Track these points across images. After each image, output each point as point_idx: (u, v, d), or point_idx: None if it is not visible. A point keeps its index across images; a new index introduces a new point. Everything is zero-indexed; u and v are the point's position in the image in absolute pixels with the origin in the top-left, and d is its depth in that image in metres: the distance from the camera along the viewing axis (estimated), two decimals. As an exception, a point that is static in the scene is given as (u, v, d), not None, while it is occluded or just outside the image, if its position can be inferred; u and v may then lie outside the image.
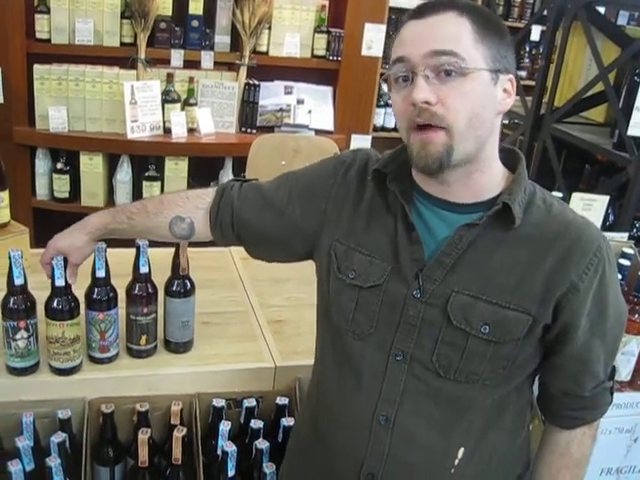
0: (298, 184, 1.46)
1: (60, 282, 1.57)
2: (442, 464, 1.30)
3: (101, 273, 1.62)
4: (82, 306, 1.64)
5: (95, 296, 1.64)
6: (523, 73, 5.67)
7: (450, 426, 1.28)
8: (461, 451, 1.29)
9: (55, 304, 1.59)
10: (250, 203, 1.48)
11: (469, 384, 1.25)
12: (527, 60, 5.79)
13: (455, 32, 1.14)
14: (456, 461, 1.29)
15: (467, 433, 1.29)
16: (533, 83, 3.96)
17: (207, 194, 1.53)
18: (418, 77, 1.14)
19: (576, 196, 2.24)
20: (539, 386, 1.38)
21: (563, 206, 1.28)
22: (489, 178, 1.25)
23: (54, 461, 1.47)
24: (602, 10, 3.60)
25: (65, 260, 1.56)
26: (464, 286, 1.23)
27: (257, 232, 1.48)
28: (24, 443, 1.51)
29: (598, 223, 2.23)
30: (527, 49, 5.78)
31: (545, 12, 3.80)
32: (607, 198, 2.26)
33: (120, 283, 1.69)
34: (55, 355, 1.63)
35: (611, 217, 2.98)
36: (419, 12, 1.18)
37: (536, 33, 5.12)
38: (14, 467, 1.44)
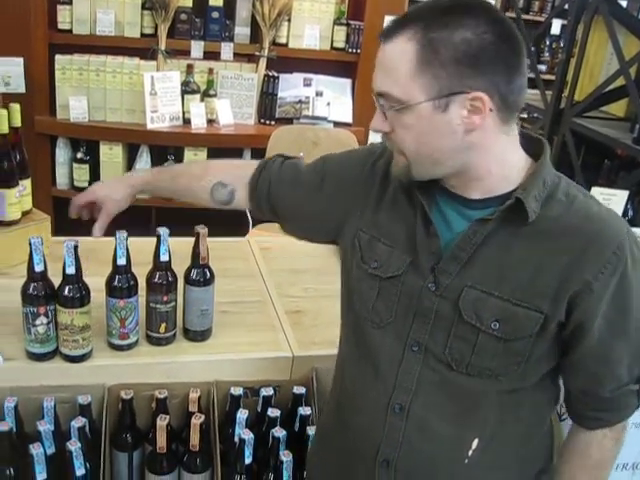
0: (331, 169, 1.48)
1: (70, 270, 1.58)
2: (456, 454, 1.30)
3: (122, 261, 1.64)
4: (95, 294, 1.65)
5: (116, 283, 1.65)
6: (543, 67, 5.64)
7: (463, 418, 1.28)
8: (475, 442, 1.29)
9: (65, 292, 1.60)
10: (286, 180, 1.52)
11: (482, 379, 1.24)
12: (547, 54, 5.76)
13: (394, 66, 1.15)
14: (470, 452, 1.29)
15: (481, 426, 1.29)
16: (553, 77, 3.95)
17: (251, 165, 1.58)
18: (377, 107, 1.20)
19: (595, 191, 2.23)
20: (563, 385, 1.36)
21: (588, 199, 1.23)
22: (499, 178, 1.22)
23: (74, 445, 1.49)
24: (624, 3, 3.58)
25: (76, 249, 1.56)
26: (477, 281, 1.22)
27: (290, 209, 1.53)
28: (45, 427, 1.53)
29: (617, 218, 2.22)
30: (547, 43, 5.74)
31: (566, 6, 3.78)
32: (626, 193, 2.26)
33: (140, 271, 1.70)
34: (65, 342, 1.64)
35: (630, 212, 2.97)
36: (383, 33, 1.19)
37: (556, 27, 5.10)
38: (36, 450, 1.45)
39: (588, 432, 1.35)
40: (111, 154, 3.62)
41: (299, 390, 1.74)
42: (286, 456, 1.61)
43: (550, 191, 1.22)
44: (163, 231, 1.66)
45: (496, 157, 1.21)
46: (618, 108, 3.55)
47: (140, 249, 1.68)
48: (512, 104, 1.16)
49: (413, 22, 1.13)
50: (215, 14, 3.67)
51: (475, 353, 1.22)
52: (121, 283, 1.65)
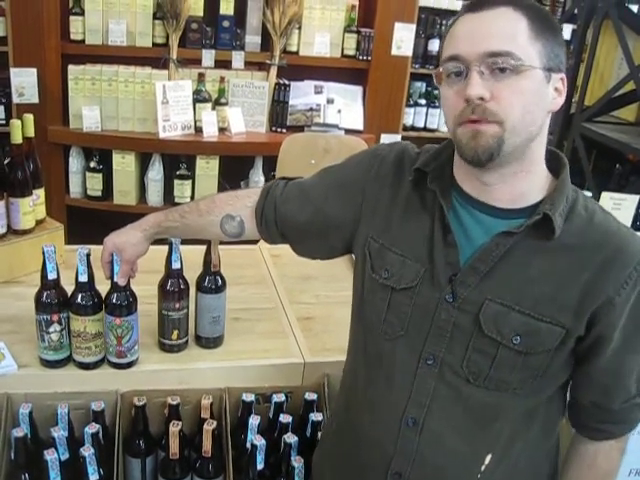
0: (334, 179, 1.46)
1: (83, 277, 1.59)
2: (469, 469, 1.29)
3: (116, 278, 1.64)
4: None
5: (112, 301, 1.64)
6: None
7: (478, 432, 1.27)
8: (488, 457, 1.28)
9: (78, 299, 1.61)
10: (291, 200, 1.49)
11: (499, 392, 1.23)
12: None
13: (511, 29, 1.11)
14: (483, 467, 1.28)
15: (495, 440, 1.28)
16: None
17: (256, 193, 1.55)
18: (472, 72, 1.12)
19: (606, 195, 2.23)
20: (569, 396, 1.35)
21: (606, 215, 1.23)
22: (532, 181, 1.21)
23: (88, 451, 1.51)
24: (634, 8, 3.58)
25: (88, 257, 1.58)
26: (498, 295, 1.20)
27: (298, 228, 1.49)
28: (59, 433, 1.55)
29: (628, 223, 2.21)
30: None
31: (576, 10, 3.78)
32: (637, 197, 2.25)
33: (152, 279, 1.72)
34: (77, 349, 1.65)
35: (641, 217, 2.96)
36: (474, 6, 1.14)
37: (567, 32, 5.06)
38: (50, 456, 1.47)
39: (595, 443, 1.34)
40: (124, 163, 3.64)
41: (311, 396, 1.75)
42: (298, 462, 1.62)
43: (570, 205, 1.21)
44: (175, 239, 1.67)
45: (539, 152, 1.22)
46: (628, 113, 3.55)
47: (152, 256, 1.69)
48: None
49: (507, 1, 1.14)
50: (226, 23, 3.69)
51: (494, 366, 1.21)
52: (119, 300, 1.64)
